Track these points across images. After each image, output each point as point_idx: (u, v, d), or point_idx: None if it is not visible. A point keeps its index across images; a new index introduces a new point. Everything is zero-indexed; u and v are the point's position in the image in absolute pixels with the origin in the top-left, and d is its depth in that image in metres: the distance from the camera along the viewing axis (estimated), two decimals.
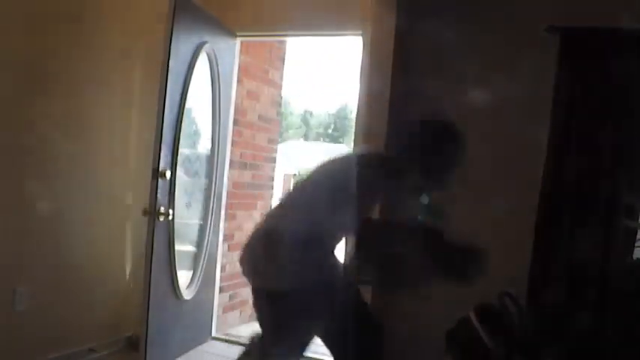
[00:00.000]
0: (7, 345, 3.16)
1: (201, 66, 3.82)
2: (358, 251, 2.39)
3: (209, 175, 4.12)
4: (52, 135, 3.34)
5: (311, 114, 56.23)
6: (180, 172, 3.68)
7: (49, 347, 3.40)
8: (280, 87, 5.25)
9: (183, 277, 3.86)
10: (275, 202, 4.10)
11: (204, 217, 4.14)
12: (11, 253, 3.17)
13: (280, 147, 5.85)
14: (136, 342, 3.88)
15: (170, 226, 3.56)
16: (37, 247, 3.32)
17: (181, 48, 3.48)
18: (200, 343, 4.09)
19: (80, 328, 3.59)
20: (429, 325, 3.31)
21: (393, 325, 3.43)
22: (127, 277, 3.93)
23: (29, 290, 3.27)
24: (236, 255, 4.69)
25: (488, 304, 2.82)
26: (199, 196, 4.11)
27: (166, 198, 3.44)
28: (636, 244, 3.10)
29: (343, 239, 2.47)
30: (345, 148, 38.36)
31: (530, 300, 3.00)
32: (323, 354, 4.19)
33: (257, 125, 4.88)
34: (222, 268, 4.48)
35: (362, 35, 3.68)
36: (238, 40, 4.23)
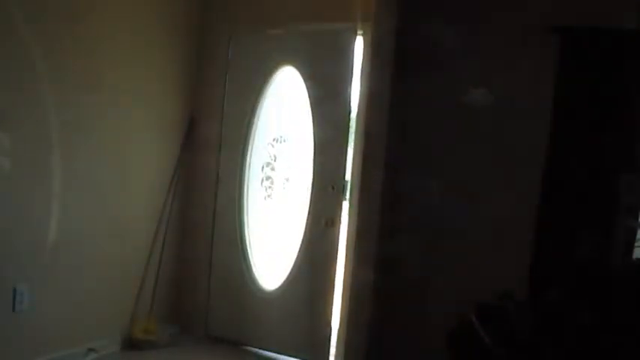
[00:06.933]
0: (7, 345, 3.17)
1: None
2: None
3: None
4: (52, 134, 3.34)
5: None
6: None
7: (49, 347, 3.40)
8: None
9: None
10: None
11: None
12: (11, 253, 3.18)
13: None
14: (136, 342, 3.89)
15: None
16: (37, 246, 3.32)
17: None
18: None
19: (80, 328, 3.59)
20: (429, 325, 3.32)
21: (394, 326, 3.44)
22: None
23: (29, 290, 3.27)
24: None
25: (488, 304, 2.83)
26: None
27: None
28: (636, 244, 3.10)
29: None
30: None
31: (531, 299, 3.00)
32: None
33: None
34: None
35: (362, 35, 3.68)
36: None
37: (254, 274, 4.11)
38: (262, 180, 4.16)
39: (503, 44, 3.28)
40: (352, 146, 3.77)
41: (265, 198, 4.17)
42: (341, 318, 3.69)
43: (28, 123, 3.22)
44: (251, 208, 4.17)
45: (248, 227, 4.16)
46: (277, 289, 4.02)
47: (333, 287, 3.79)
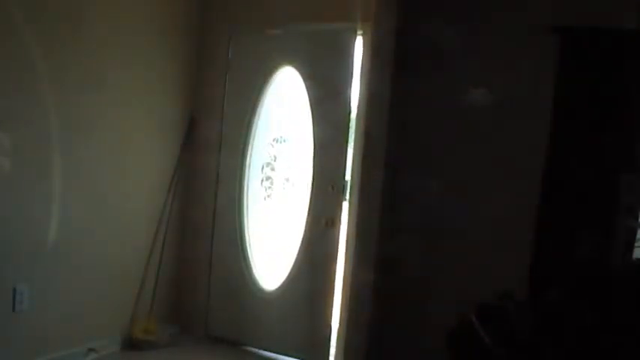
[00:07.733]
0: (7, 345, 3.17)
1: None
2: None
3: None
4: (52, 134, 3.34)
5: None
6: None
7: (49, 347, 3.40)
8: None
9: None
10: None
11: None
12: (11, 253, 3.18)
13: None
14: (136, 342, 3.90)
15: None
16: (37, 246, 3.32)
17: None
18: None
19: (80, 328, 3.59)
20: (429, 325, 3.32)
21: (394, 326, 3.44)
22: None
23: (29, 290, 3.27)
24: None
25: (488, 304, 2.83)
26: None
27: None
28: (636, 244, 3.10)
29: None
30: None
31: (531, 299, 3.00)
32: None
33: None
34: None
35: (362, 35, 3.68)
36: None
37: (254, 274, 4.11)
38: (262, 180, 4.17)
39: (503, 44, 3.27)
40: (352, 146, 3.77)
41: (265, 198, 4.17)
42: (341, 318, 3.69)
43: (28, 123, 3.22)
44: (251, 208, 4.17)
45: (248, 227, 4.16)
46: (277, 289, 4.02)
47: (333, 287, 3.79)
